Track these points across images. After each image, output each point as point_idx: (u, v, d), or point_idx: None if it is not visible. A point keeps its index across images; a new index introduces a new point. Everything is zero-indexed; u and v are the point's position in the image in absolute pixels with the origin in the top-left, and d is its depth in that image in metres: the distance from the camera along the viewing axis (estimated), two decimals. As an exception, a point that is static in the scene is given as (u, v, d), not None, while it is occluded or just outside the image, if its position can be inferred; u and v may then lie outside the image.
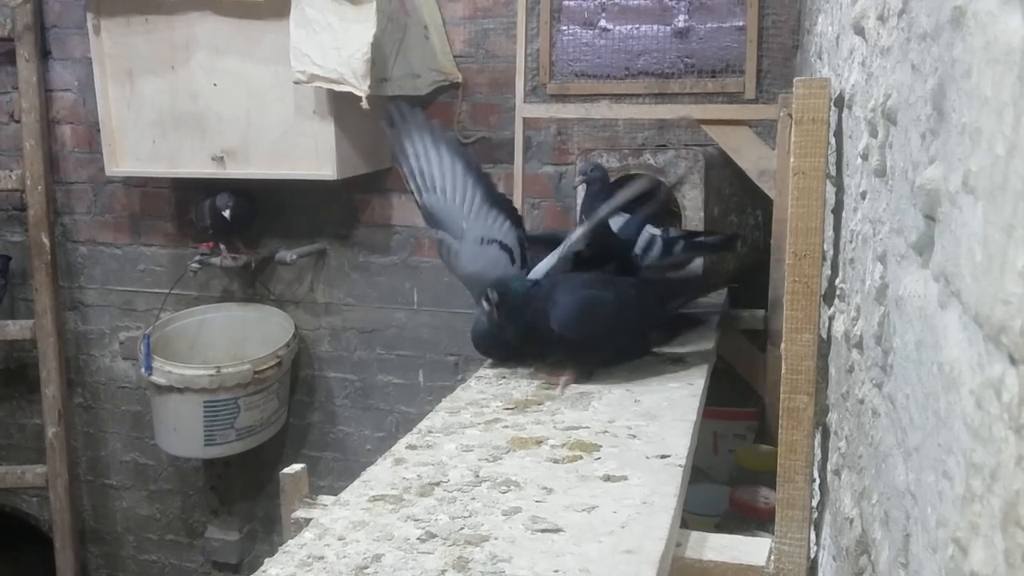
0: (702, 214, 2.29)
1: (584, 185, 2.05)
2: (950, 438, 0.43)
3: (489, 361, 1.95)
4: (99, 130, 2.80)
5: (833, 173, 1.08)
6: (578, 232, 1.75)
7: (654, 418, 1.53)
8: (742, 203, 2.46)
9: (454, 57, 2.77)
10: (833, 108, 1.04)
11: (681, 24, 2.63)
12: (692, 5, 2.62)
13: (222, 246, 2.88)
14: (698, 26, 2.62)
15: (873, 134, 0.72)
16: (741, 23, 2.57)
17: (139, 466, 3.39)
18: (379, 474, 1.33)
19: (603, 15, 2.68)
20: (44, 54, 3.12)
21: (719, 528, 1.84)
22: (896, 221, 0.62)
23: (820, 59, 1.46)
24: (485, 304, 1.71)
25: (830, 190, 1.09)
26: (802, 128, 1.02)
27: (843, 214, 1.01)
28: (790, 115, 1.13)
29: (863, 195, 0.80)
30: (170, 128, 2.69)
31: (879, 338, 0.68)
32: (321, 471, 3.12)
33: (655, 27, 2.64)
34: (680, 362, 1.85)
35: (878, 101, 0.69)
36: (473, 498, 1.23)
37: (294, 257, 2.81)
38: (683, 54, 2.64)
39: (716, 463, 2.23)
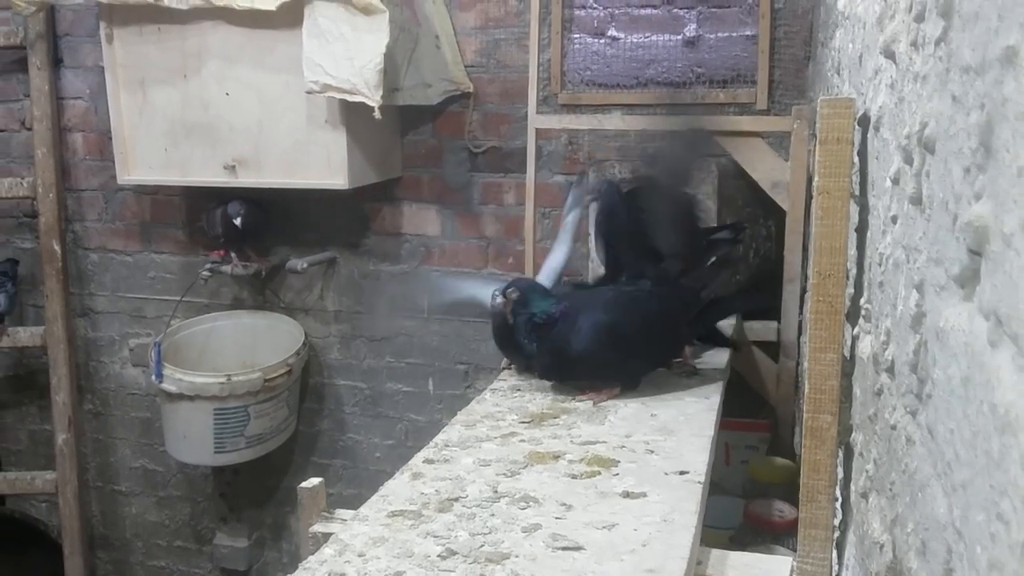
0: (715, 225, 2.29)
1: (595, 202, 2.04)
2: (1005, 481, 0.43)
3: (503, 373, 1.95)
4: (110, 138, 2.81)
5: (856, 192, 1.08)
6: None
7: (671, 433, 1.53)
8: (755, 214, 2.46)
9: (465, 67, 2.77)
10: (856, 127, 1.04)
11: (691, 33, 2.63)
12: (702, 15, 2.62)
13: (233, 254, 2.88)
14: (708, 35, 2.62)
15: (907, 161, 0.72)
16: (750, 32, 2.57)
17: (148, 472, 3.39)
18: (397, 489, 1.33)
19: (612, 24, 2.69)
20: (56, 62, 3.12)
21: (733, 541, 1.84)
22: (935, 251, 0.61)
23: (839, 75, 1.46)
24: (500, 298, 1.73)
25: (852, 209, 1.09)
26: (826, 148, 1.02)
27: (868, 234, 1.01)
28: (814, 134, 1.13)
29: (894, 219, 0.80)
30: (182, 137, 2.69)
31: (914, 366, 0.67)
32: (330, 478, 3.12)
33: (665, 36, 2.64)
34: (695, 375, 1.85)
35: (913, 129, 0.69)
36: (492, 514, 1.23)
37: (305, 265, 2.82)
38: (693, 63, 2.64)
39: (729, 474, 2.22)
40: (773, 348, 2.26)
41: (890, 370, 0.79)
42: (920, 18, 0.69)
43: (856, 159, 1.06)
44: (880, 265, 0.87)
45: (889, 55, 0.84)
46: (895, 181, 0.79)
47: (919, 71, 0.70)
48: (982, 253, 0.49)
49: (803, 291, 2.15)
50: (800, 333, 2.17)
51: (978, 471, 0.48)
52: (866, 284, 1.00)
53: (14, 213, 3.35)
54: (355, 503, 3.05)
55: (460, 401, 2.92)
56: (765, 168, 2.20)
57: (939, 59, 0.62)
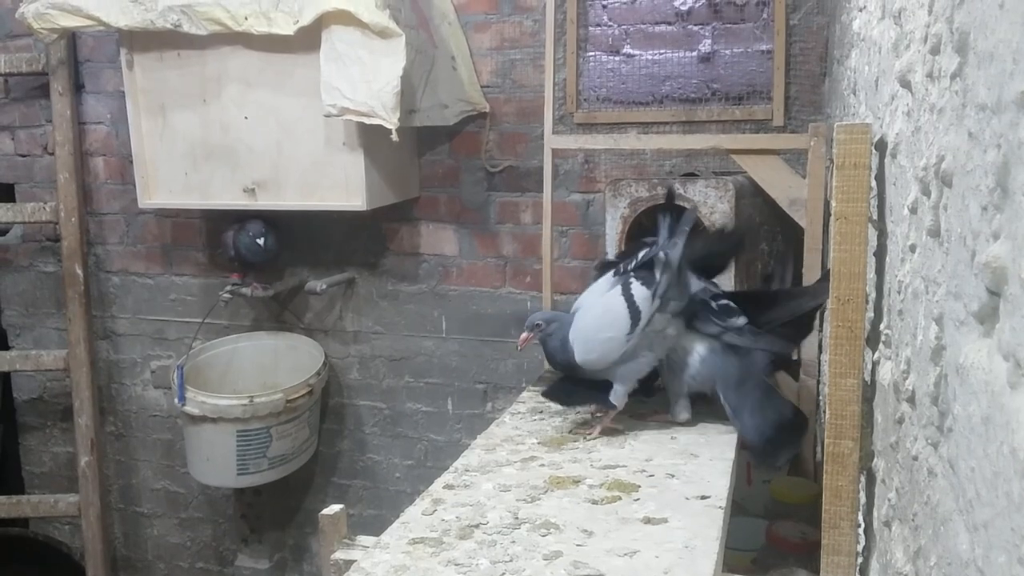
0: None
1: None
2: (1026, 526, 0.42)
3: (522, 395, 1.95)
4: (131, 161, 2.84)
5: (874, 217, 1.08)
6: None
7: (692, 456, 1.52)
8: (772, 231, 2.45)
9: (481, 87, 2.79)
10: (874, 152, 1.04)
11: (706, 49, 2.64)
12: (716, 30, 2.62)
13: (252, 280, 2.92)
14: (723, 51, 2.62)
15: (925, 192, 0.72)
16: (765, 47, 2.57)
17: (170, 494, 3.41)
18: (418, 515, 1.33)
19: (627, 41, 2.70)
20: (77, 88, 3.17)
21: (756, 563, 1.83)
22: (954, 285, 0.61)
23: (855, 95, 1.45)
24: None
25: (871, 233, 1.08)
26: (844, 173, 1.01)
27: (887, 259, 1.01)
28: (831, 159, 1.13)
29: (912, 248, 0.80)
30: (202, 160, 2.72)
31: (935, 399, 0.67)
32: (350, 499, 3.13)
33: (680, 53, 2.65)
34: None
35: (930, 161, 0.69)
36: (513, 541, 1.23)
37: (324, 287, 2.83)
38: (708, 79, 2.65)
39: (750, 494, 2.20)
40: (793, 366, 2.25)
41: (911, 400, 0.78)
42: (935, 51, 0.69)
43: (874, 183, 1.06)
44: (899, 293, 0.87)
45: (905, 83, 0.84)
46: (913, 210, 0.79)
47: (935, 103, 0.70)
48: (1000, 294, 0.49)
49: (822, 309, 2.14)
50: (820, 351, 2.15)
51: (999, 512, 0.48)
52: (886, 309, 1.00)
53: (37, 237, 3.39)
54: (375, 524, 3.04)
55: (479, 421, 2.93)
56: (782, 186, 2.19)
57: (955, 93, 0.62)
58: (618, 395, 1.67)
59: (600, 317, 1.67)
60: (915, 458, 0.76)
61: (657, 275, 1.64)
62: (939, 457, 0.67)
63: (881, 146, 1.04)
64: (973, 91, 0.56)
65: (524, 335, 1.72)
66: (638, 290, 1.63)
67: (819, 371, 2.16)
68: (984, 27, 0.52)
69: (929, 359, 0.69)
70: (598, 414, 1.72)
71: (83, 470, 3.22)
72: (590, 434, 1.66)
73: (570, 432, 1.69)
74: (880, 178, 1.05)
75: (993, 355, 0.51)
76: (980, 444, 0.52)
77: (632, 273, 1.67)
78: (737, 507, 2.18)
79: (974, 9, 0.55)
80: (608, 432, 1.66)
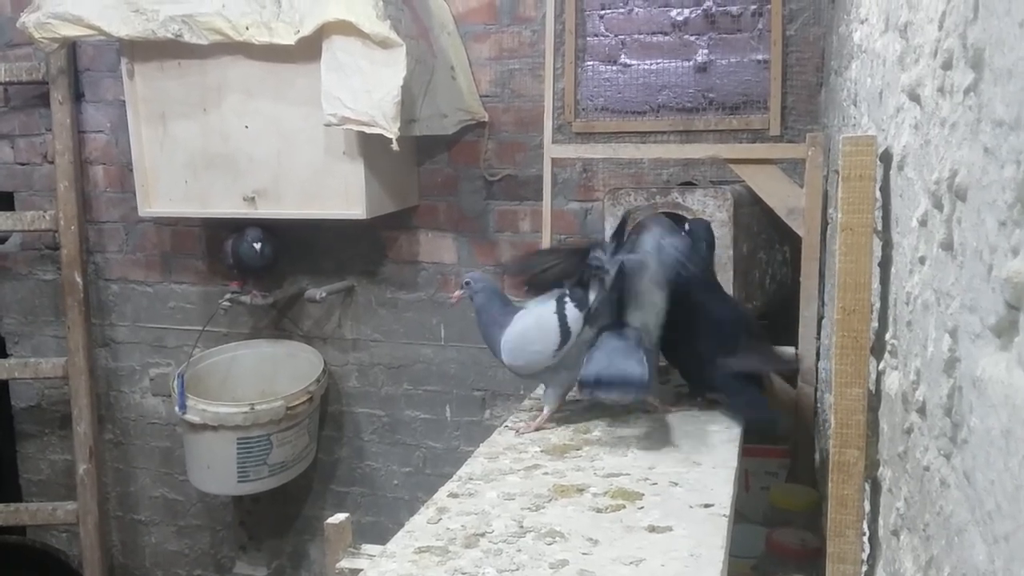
0: (731, 252, 2.30)
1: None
2: (1050, 538, 0.43)
3: (524, 402, 1.96)
4: (131, 170, 2.85)
5: (879, 228, 1.09)
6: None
7: (695, 464, 1.53)
8: (770, 239, 2.47)
9: (480, 97, 2.80)
10: (878, 164, 1.05)
11: (701, 59, 2.66)
12: (712, 40, 2.64)
13: (251, 288, 2.92)
14: (719, 61, 2.64)
15: (937, 206, 0.73)
16: (761, 57, 2.59)
17: (168, 501, 3.41)
18: (423, 524, 1.34)
19: (624, 51, 2.71)
20: (77, 97, 3.17)
21: (756, 570, 1.83)
22: (969, 299, 0.62)
23: (856, 106, 1.47)
24: None
25: (875, 244, 1.09)
26: (849, 184, 1.02)
27: (892, 270, 1.02)
28: (836, 170, 1.14)
29: (921, 260, 0.81)
30: (202, 169, 2.72)
31: (948, 410, 0.68)
32: (349, 506, 3.13)
33: (676, 62, 2.66)
34: (716, 404, 1.85)
35: (942, 174, 0.70)
36: (519, 550, 1.23)
37: (323, 294, 2.84)
38: (704, 88, 2.66)
39: (749, 501, 2.21)
40: (791, 373, 2.26)
41: (921, 411, 0.79)
42: (947, 65, 0.70)
43: (878, 195, 1.07)
44: (908, 304, 0.88)
45: (914, 97, 0.85)
46: (922, 223, 0.80)
47: (947, 117, 0.70)
48: (1021, 308, 0.50)
49: (820, 317, 2.15)
50: (818, 359, 2.16)
51: (1021, 524, 0.48)
52: (891, 320, 1.01)
53: (36, 245, 3.39)
54: (374, 531, 3.04)
55: (477, 428, 2.93)
56: (780, 195, 2.20)
57: (969, 108, 0.63)
58: (549, 398, 1.75)
59: (531, 329, 1.73)
60: (926, 468, 0.77)
61: (590, 297, 1.67)
62: (952, 468, 0.68)
63: (886, 158, 1.06)
64: (989, 107, 0.57)
65: (457, 292, 1.83)
66: (571, 311, 1.67)
67: (816, 378, 2.18)
68: (1001, 44, 0.53)
69: (942, 371, 0.70)
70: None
71: (81, 478, 3.21)
72: (520, 431, 1.72)
73: (508, 425, 1.77)
74: (885, 191, 1.06)
75: (1013, 369, 0.51)
76: (1000, 457, 0.53)
77: (568, 292, 1.69)
78: (736, 514, 2.19)
79: (990, 26, 0.56)
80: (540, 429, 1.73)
